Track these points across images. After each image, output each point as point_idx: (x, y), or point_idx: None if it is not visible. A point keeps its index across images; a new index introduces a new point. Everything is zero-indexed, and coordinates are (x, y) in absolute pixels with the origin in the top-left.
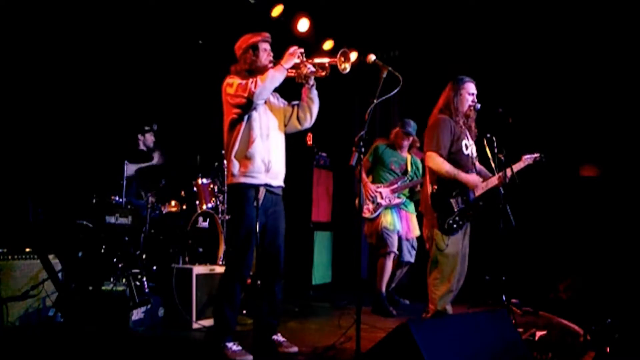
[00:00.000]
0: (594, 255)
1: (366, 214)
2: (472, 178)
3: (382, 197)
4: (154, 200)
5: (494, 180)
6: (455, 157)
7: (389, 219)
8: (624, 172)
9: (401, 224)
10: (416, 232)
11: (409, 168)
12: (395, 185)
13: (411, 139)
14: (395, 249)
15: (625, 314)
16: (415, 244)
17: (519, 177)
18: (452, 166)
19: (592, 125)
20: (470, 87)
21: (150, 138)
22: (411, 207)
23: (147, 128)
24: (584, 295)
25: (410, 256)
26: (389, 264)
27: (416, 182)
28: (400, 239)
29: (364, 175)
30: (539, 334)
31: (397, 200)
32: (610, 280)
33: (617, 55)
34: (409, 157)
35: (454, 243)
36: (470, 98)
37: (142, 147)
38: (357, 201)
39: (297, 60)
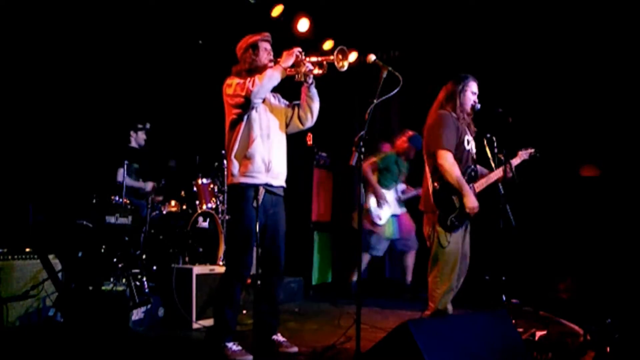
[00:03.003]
0: (594, 255)
1: (377, 220)
2: (472, 200)
3: (389, 205)
4: (155, 197)
5: (493, 176)
6: (457, 152)
7: (391, 230)
8: (624, 172)
9: (400, 228)
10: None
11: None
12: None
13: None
14: (380, 253)
15: (625, 314)
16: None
17: (517, 175)
18: (461, 176)
19: (592, 125)
20: (474, 86)
21: (141, 136)
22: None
23: (139, 126)
24: (584, 295)
25: (416, 244)
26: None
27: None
28: (399, 239)
29: (374, 179)
30: (539, 334)
31: (400, 210)
32: (610, 280)
33: (617, 55)
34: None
35: (455, 240)
36: (472, 97)
37: (133, 144)
38: (367, 204)
39: (296, 59)
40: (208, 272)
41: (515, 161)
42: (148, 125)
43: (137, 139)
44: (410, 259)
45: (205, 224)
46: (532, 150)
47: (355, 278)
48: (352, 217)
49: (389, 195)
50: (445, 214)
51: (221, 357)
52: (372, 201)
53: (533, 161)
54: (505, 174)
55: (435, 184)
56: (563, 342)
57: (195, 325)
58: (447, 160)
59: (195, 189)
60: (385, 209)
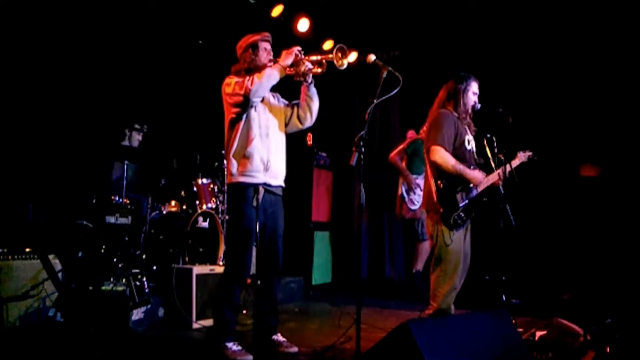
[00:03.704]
0: (594, 255)
1: (411, 205)
2: (476, 174)
3: (421, 189)
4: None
5: (494, 176)
6: (458, 152)
7: None
8: (624, 172)
9: None
10: None
11: None
12: None
13: None
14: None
15: (625, 314)
16: None
17: (517, 175)
18: (457, 161)
19: (592, 125)
20: (475, 86)
21: (136, 136)
22: None
23: (137, 127)
24: (584, 296)
25: None
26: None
27: None
28: None
29: (403, 166)
30: (539, 334)
31: None
32: (610, 280)
33: (617, 55)
34: None
35: (457, 239)
36: (473, 98)
37: (126, 142)
38: (399, 191)
39: (295, 58)
40: (208, 272)
41: (514, 163)
42: (145, 128)
43: (131, 138)
44: (424, 246)
45: (205, 224)
46: (531, 153)
47: (419, 268)
48: (396, 204)
49: (421, 180)
50: (448, 211)
51: (221, 357)
52: (403, 188)
53: (531, 164)
54: (505, 174)
55: (439, 183)
56: (563, 342)
57: (195, 325)
58: (439, 154)
59: (195, 189)
60: (418, 192)
